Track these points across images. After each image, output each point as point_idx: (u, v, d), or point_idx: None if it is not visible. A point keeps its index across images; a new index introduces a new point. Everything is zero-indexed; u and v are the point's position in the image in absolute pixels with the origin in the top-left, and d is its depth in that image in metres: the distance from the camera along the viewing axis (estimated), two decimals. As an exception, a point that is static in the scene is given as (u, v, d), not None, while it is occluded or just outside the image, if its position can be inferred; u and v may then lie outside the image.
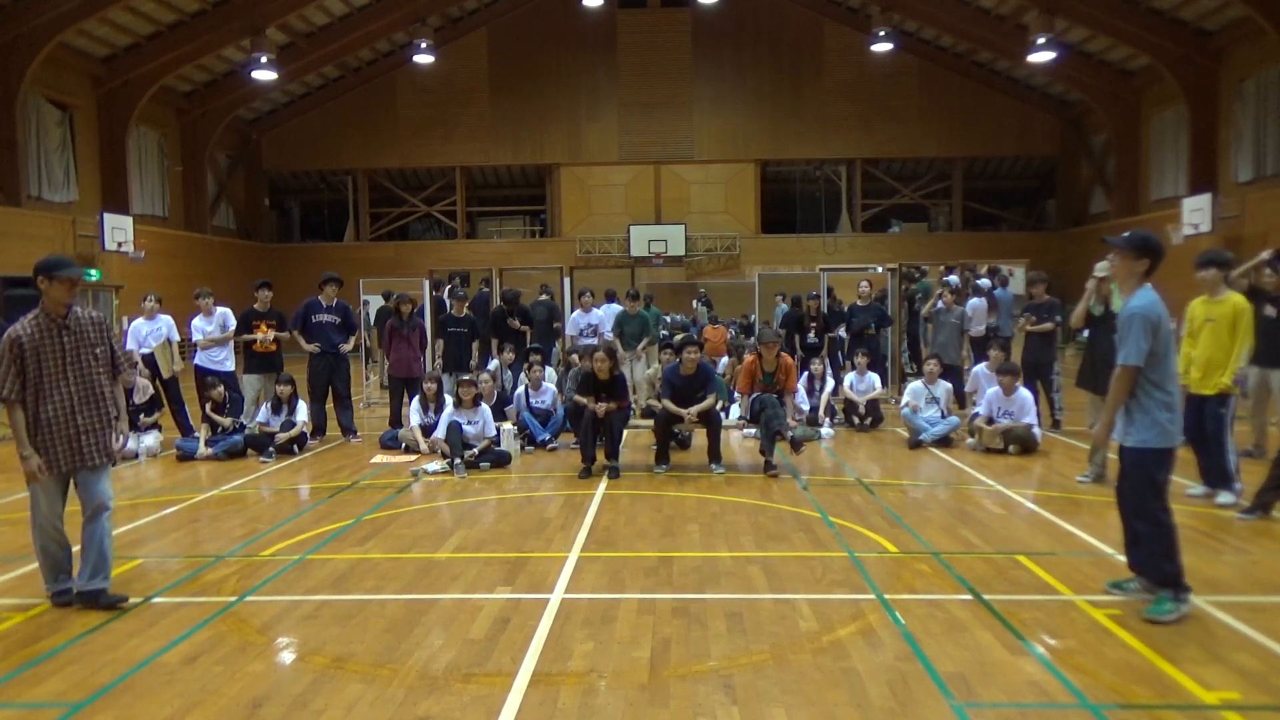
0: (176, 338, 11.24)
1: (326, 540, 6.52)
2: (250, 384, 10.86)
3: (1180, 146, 24.52)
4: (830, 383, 11.96)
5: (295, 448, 10.21)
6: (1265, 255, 8.25)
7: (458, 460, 8.93)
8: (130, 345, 11.13)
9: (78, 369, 5.06)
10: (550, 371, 11.86)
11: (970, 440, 9.95)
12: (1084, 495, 7.60)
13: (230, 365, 10.95)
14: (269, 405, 10.32)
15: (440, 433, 9.47)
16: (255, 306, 10.99)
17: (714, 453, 8.99)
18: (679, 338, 10.39)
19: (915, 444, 10.09)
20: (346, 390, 11.21)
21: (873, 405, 11.50)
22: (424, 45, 27.21)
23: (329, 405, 11.23)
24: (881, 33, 27.07)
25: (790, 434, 8.83)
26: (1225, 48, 22.49)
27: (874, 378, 11.75)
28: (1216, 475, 7.21)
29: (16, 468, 5.26)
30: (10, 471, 8.62)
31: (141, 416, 10.32)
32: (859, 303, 13.63)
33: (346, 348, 11.11)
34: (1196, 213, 21.78)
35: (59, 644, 4.58)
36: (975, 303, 13.40)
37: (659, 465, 9.03)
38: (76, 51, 22.33)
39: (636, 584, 5.41)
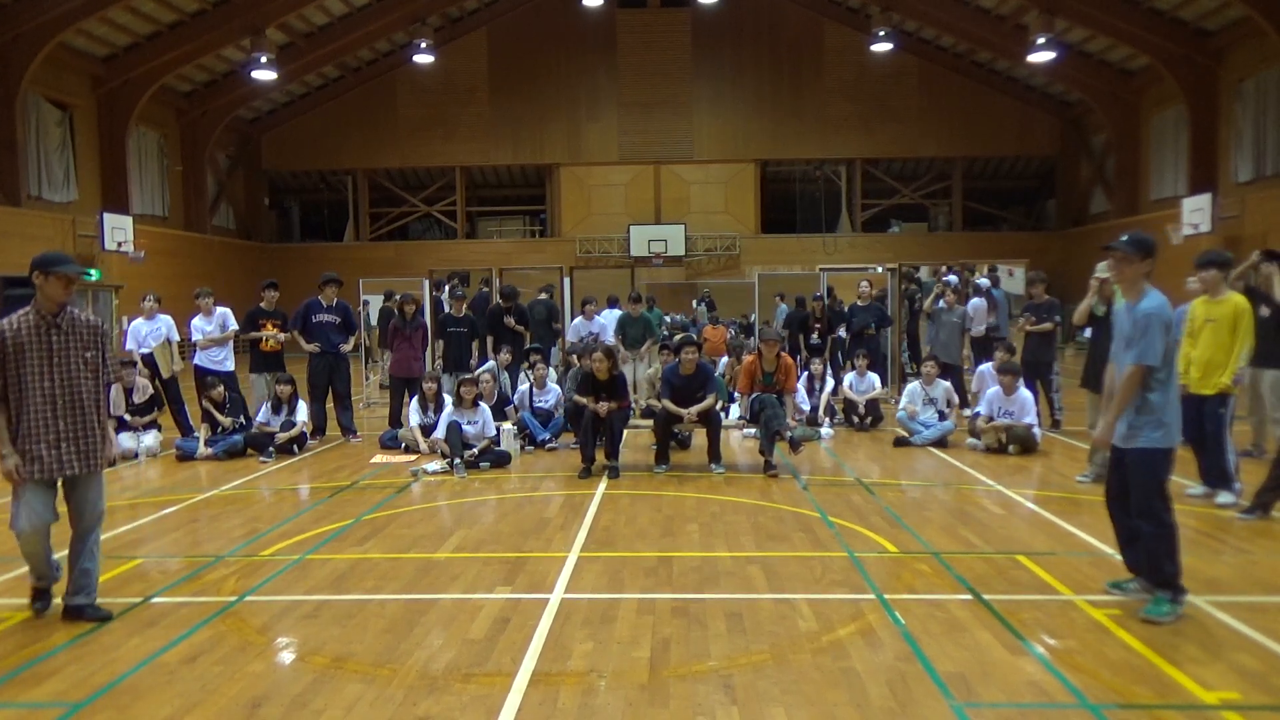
0: (176, 338, 11.25)
1: (326, 540, 6.52)
2: (259, 383, 10.88)
3: (1180, 146, 24.53)
4: (830, 383, 11.97)
5: (295, 448, 10.21)
6: (1255, 257, 8.28)
7: (457, 460, 8.93)
8: (130, 345, 11.16)
9: (63, 371, 4.81)
10: (550, 371, 11.85)
11: (970, 440, 9.95)
12: (1084, 495, 7.59)
13: (230, 365, 10.95)
14: (269, 405, 10.32)
15: (440, 433, 9.47)
16: (262, 305, 11.02)
17: (714, 453, 8.98)
18: (678, 338, 10.39)
19: (900, 441, 10.12)
20: (346, 390, 11.22)
21: (872, 405, 11.50)
22: (424, 45, 27.22)
23: (329, 405, 11.23)
24: (881, 33, 27.08)
25: (789, 434, 8.83)
26: (1225, 48, 22.49)
27: (874, 378, 11.76)
28: (1216, 475, 7.22)
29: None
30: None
31: (139, 415, 10.34)
32: (859, 303, 13.63)
33: (346, 348, 11.11)
34: (1196, 213, 21.79)
35: (59, 644, 4.57)
36: (976, 303, 13.41)
37: (659, 465, 9.03)
38: (76, 51, 22.34)
39: (636, 584, 5.41)
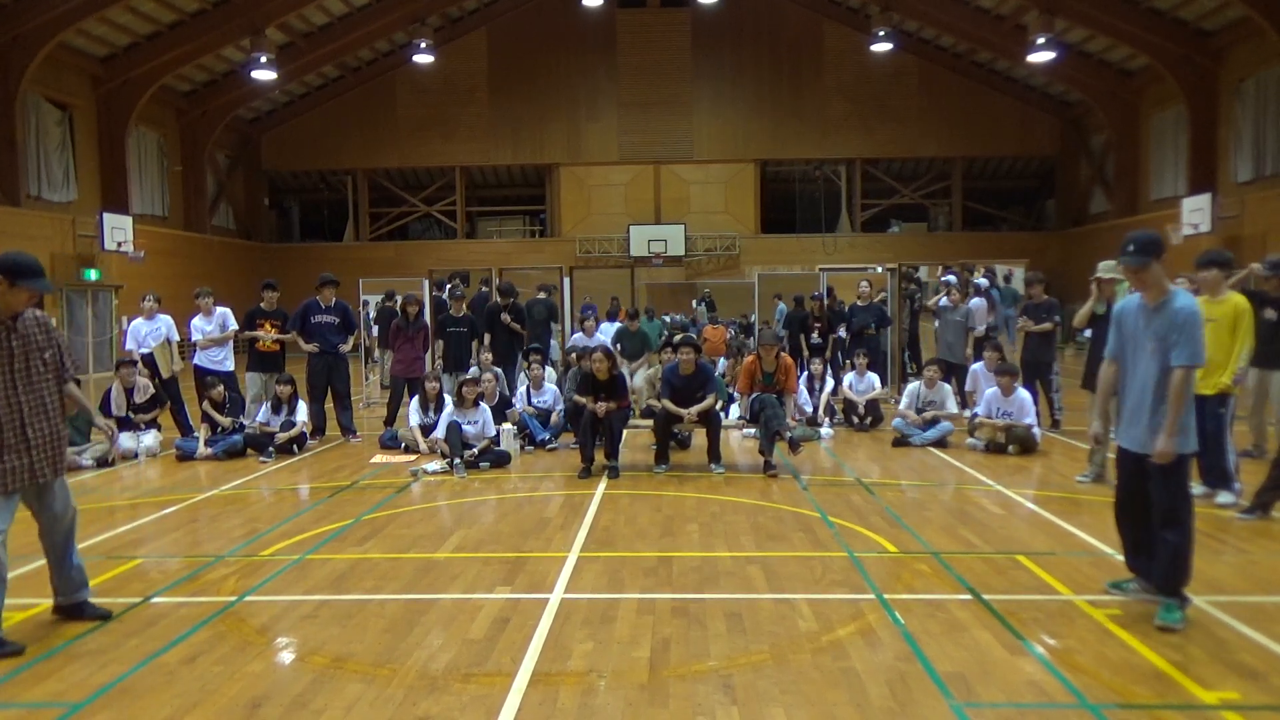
0: (176, 338, 11.25)
1: (326, 540, 6.52)
2: (253, 382, 10.88)
3: (1180, 146, 24.52)
4: (830, 383, 11.97)
5: (295, 448, 10.21)
6: (1255, 267, 8.27)
7: (457, 460, 8.93)
8: (130, 345, 11.16)
9: (26, 377, 4.58)
10: (550, 371, 11.86)
11: (971, 440, 9.94)
12: (1084, 495, 7.60)
13: (230, 365, 10.96)
14: (269, 405, 10.32)
15: (440, 433, 9.47)
16: (261, 305, 11.02)
17: (713, 453, 8.98)
18: (677, 337, 10.39)
19: (899, 441, 10.14)
20: (346, 390, 11.21)
21: (872, 405, 11.49)
22: (424, 45, 27.22)
23: (329, 405, 11.23)
24: (881, 33, 27.08)
25: (789, 434, 8.83)
26: (1225, 48, 22.49)
27: (874, 378, 11.75)
28: (1216, 475, 7.21)
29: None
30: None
31: (142, 414, 10.35)
32: (859, 303, 13.62)
33: (346, 348, 11.11)
34: (1196, 213, 21.78)
35: (59, 644, 4.57)
36: (976, 302, 13.41)
37: (658, 465, 9.03)
38: (76, 51, 22.33)
39: (636, 584, 5.41)
